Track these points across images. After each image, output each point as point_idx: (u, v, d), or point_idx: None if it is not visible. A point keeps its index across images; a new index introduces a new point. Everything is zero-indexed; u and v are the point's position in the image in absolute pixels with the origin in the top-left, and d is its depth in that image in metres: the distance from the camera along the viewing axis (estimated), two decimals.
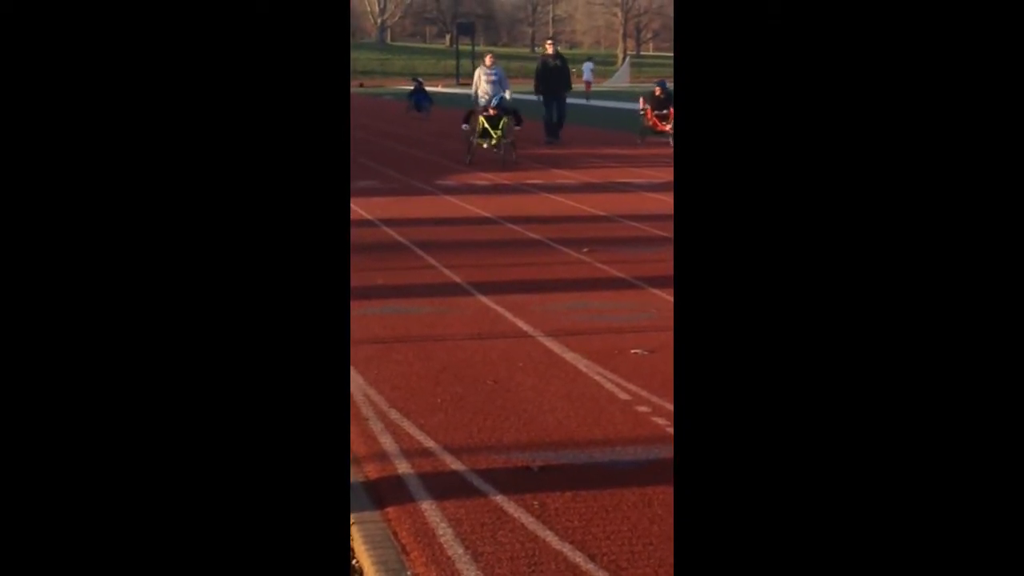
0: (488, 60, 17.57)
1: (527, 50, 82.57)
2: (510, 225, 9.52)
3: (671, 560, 3.13)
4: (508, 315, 6.12)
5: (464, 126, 15.73)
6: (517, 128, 15.27)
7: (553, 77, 18.27)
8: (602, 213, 10.29)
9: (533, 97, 18.83)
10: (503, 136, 15.01)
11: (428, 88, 28.06)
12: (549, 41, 19.59)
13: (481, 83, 17.05)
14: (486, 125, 15.17)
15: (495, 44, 78.60)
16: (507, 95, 17.08)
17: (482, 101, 16.83)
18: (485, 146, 15.17)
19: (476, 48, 53.34)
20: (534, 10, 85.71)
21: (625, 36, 77.28)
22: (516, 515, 3.43)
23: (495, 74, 17.39)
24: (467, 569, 3.08)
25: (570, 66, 20.21)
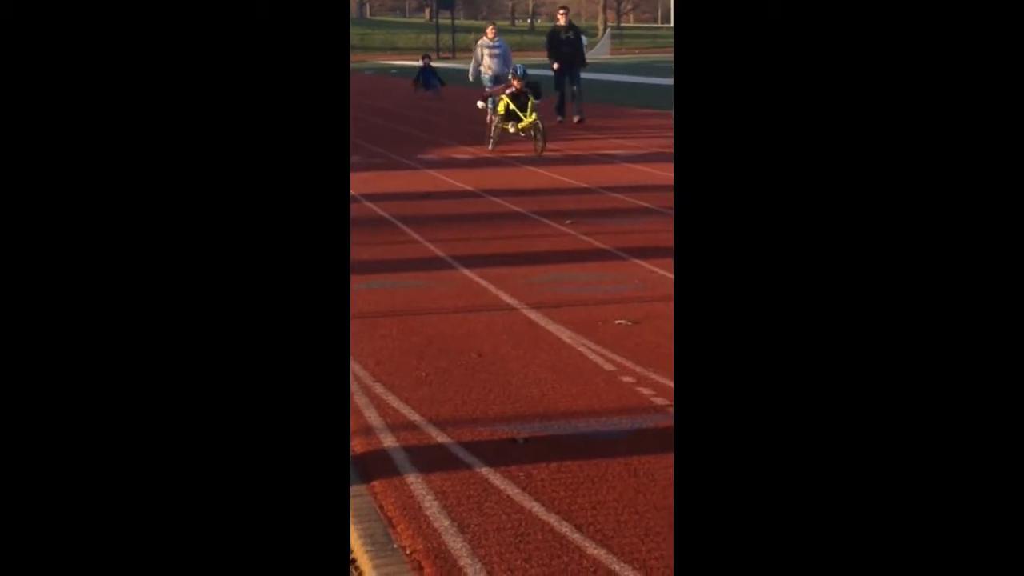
0: (490, 32, 16.11)
1: (507, 23, 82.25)
2: (492, 198, 9.50)
3: (657, 529, 3.14)
4: (492, 288, 6.12)
5: (479, 103, 13.88)
6: (537, 102, 13.01)
7: (565, 51, 16.37)
8: (585, 185, 10.27)
9: (540, 71, 17.18)
10: (536, 118, 12.76)
11: (407, 63, 26.65)
12: (562, 11, 17.14)
13: (484, 58, 15.82)
14: (512, 106, 12.91)
15: (475, 17, 78.20)
16: (508, 71, 15.63)
17: (485, 77, 15.64)
18: (511, 130, 13.06)
19: (456, 22, 53.13)
20: None
21: (605, 8, 76.99)
22: (502, 487, 3.44)
23: (498, 47, 15.92)
24: (453, 541, 3.08)
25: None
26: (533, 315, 5.54)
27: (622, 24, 79.31)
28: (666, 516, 3.22)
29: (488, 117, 13.85)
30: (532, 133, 12.84)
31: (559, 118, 16.40)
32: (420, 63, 25.24)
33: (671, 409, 4.14)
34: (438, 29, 53.23)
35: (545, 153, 12.44)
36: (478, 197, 9.61)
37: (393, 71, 34.58)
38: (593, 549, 3.03)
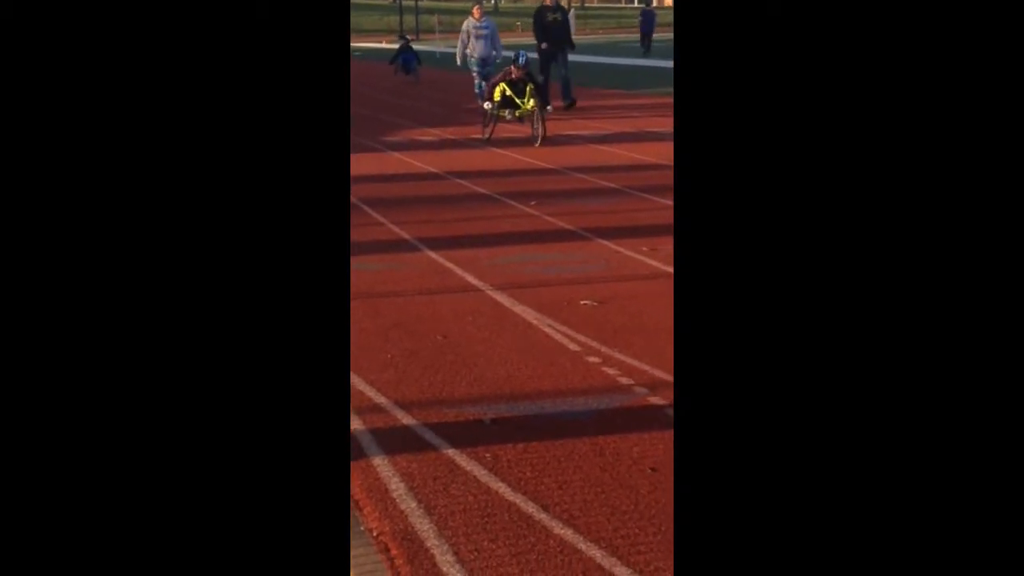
0: (476, 12, 15.27)
1: (470, 3, 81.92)
2: (457, 180, 9.48)
3: (623, 508, 3.15)
4: (457, 270, 6.11)
5: (486, 104, 12.48)
6: (549, 109, 12.38)
7: (553, 32, 15.28)
8: (549, 166, 10.27)
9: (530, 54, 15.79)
10: (536, 104, 11.93)
11: (371, 45, 25.45)
12: None
13: (470, 39, 15.05)
14: (509, 92, 12.11)
15: None
16: (496, 52, 15.09)
17: (471, 60, 14.99)
18: (508, 117, 12.40)
19: (420, 3, 52.90)
20: None
21: None
22: (468, 468, 3.44)
23: (486, 28, 15.11)
24: (420, 523, 3.08)
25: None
26: (498, 296, 5.54)
27: (586, 4, 79.24)
28: (631, 495, 3.24)
29: (483, 104, 12.68)
30: (531, 120, 12.11)
31: (562, 104, 15.45)
32: (398, 44, 23.23)
33: (637, 388, 4.15)
34: (401, 11, 52.98)
35: (506, 134, 12.40)
36: (443, 179, 9.59)
37: (357, 54, 34.40)
38: (559, 528, 3.04)
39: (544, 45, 15.25)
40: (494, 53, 15.21)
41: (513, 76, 12.08)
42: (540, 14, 15.68)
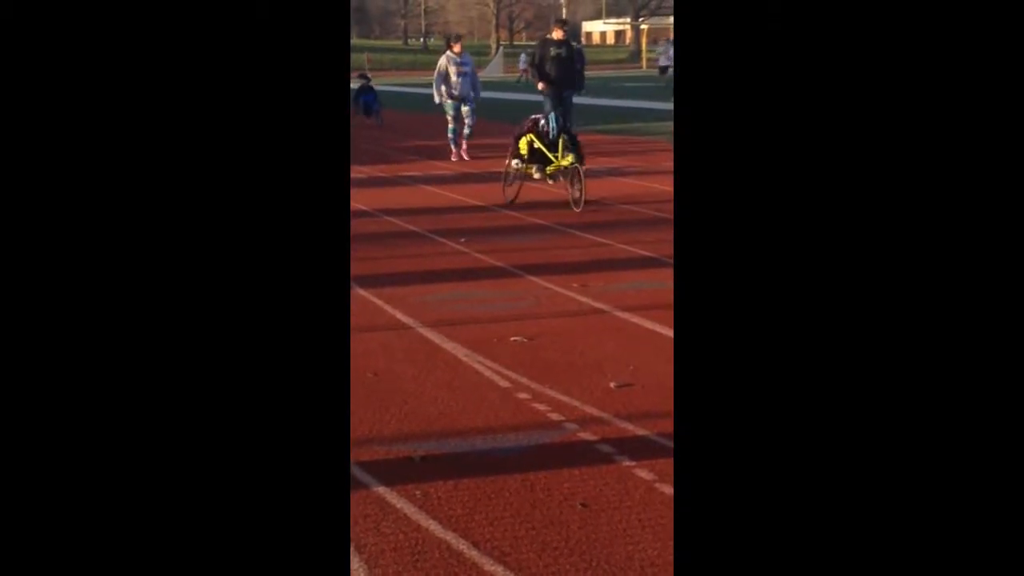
0: (456, 48, 13.91)
1: (399, 42, 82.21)
2: (387, 217, 9.48)
3: (554, 544, 3.17)
4: (387, 307, 6.11)
5: (514, 163, 10.19)
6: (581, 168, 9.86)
7: (556, 70, 12.84)
8: (479, 203, 10.31)
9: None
10: (574, 160, 9.81)
11: None
12: (559, 26, 13.51)
13: (451, 76, 13.89)
14: (539, 144, 10.00)
15: (368, 37, 78.04)
16: (475, 92, 14.02)
17: (447, 104, 13.91)
18: (537, 176, 10.17)
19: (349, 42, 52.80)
20: (406, 1, 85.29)
21: (498, 27, 77.45)
22: (399, 505, 3.43)
23: (466, 65, 13.93)
24: (351, 561, 3.07)
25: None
26: (428, 333, 5.55)
27: (515, 43, 79.80)
28: (562, 531, 3.25)
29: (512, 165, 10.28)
30: (568, 179, 9.99)
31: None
32: (356, 84, 19.56)
33: (567, 425, 4.17)
34: None
35: (437, 172, 12.36)
36: (373, 217, 9.58)
37: None
38: (490, 565, 3.05)
39: (541, 86, 12.94)
40: (473, 93, 14.06)
41: (543, 128, 10.09)
42: (543, 48, 13.24)
